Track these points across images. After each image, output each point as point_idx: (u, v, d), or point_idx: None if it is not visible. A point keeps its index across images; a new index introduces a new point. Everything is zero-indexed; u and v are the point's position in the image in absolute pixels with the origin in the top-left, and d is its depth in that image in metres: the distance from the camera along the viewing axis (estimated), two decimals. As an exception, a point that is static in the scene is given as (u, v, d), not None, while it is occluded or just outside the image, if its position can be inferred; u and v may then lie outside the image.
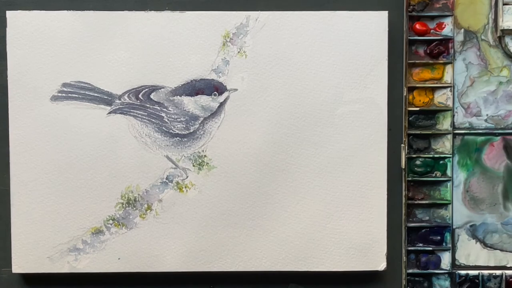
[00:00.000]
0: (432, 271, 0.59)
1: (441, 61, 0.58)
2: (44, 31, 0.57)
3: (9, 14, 0.57)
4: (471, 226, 0.59)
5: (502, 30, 0.58)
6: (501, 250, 0.59)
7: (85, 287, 0.58)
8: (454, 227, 0.59)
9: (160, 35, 0.57)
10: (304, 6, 0.58)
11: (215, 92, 0.57)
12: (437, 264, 0.59)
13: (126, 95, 0.57)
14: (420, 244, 0.59)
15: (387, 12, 0.57)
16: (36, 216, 0.57)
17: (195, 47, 0.57)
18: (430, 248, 0.59)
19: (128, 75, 0.57)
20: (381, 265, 0.58)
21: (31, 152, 0.57)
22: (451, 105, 0.59)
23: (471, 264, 0.59)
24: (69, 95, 0.57)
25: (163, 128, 0.57)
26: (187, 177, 0.57)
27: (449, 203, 0.59)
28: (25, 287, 0.58)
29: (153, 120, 0.57)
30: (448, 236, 0.59)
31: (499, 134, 0.59)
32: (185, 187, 0.57)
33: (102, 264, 0.57)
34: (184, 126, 0.57)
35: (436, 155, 0.59)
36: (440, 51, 0.58)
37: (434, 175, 0.59)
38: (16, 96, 0.57)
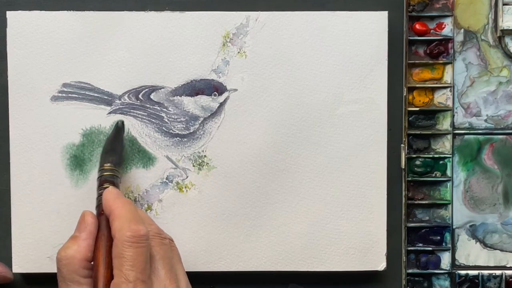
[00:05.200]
0: (432, 271, 0.59)
1: (441, 61, 0.58)
2: (44, 31, 0.57)
3: (9, 14, 0.57)
4: (471, 226, 0.59)
5: (502, 30, 0.58)
6: (501, 250, 0.59)
7: (85, 287, 0.58)
8: (454, 227, 0.59)
9: (160, 35, 0.57)
10: (304, 6, 0.58)
11: (215, 92, 0.57)
12: (437, 264, 0.59)
13: (126, 95, 0.57)
14: (420, 244, 0.59)
15: (387, 12, 0.57)
16: (36, 216, 0.57)
17: (195, 47, 0.57)
18: (430, 248, 0.59)
19: (128, 75, 0.57)
20: (381, 265, 0.58)
21: (31, 152, 0.57)
22: (451, 105, 0.59)
23: (471, 264, 0.59)
24: (69, 95, 0.57)
25: (163, 128, 0.57)
26: (187, 177, 0.57)
27: (449, 203, 0.59)
28: (25, 287, 0.58)
29: (153, 120, 0.57)
30: (448, 236, 0.59)
31: (499, 134, 0.59)
32: (185, 187, 0.57)
33: (102, 264, 0.57)
34: (184, 126, 0.57)
35: (436, 155, 0.59)
36: (440, 51, 0.58)
37: (434, 175, 0.59)
38: (16, 96, 0.57)
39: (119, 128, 0.56)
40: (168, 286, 0.48)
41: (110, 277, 0.48)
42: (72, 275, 0.48)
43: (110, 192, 0.51)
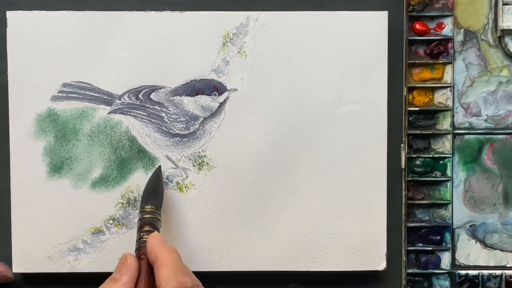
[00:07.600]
0: (432, 271, 0.59)
1: (441, 61, 0.58)
2: (44, 31, 0.57)
3: (9, 14, 0.57)
4: (471, 226, 0.59)
5: (502, 30, 0.58)
6: (501, 250, 0.59)
7: (85, 287, 0.58)
8: (454, 227, 0.59)
9: (160, 35, 0.57)
10: (304, 6, 0.58)
11: (215, 92, 0.57)
12: (437, 264, 0.59)
13: (126, 95, 0.57)
14: (420, 244, 0.59)
15: (387, 12, 0.57)
16: (36, 216, 0.57)
17: (195, 47, 0.57)
18: (430, 248, 0.59)
19: (128, 75, 0.57)
20: (381, 265, 0.58)
21: (31, 152, 0.57)
22: (451, 105, 0.59)
23: (471, 264, 0.59)
24: (69, 95, 0.57)
25: (163, 128, 0.57)
26: (187, 177, 0.57)
27: (449, 203, 0.59)
28: (25, 287, 0.58)
29: (153, 120, 0.57)
30: (448, 236, 0.59)
31: (499, 134, 0.59)
32: (185, 187, 0.57)
33: (102, 264, 0.57)
34: (184, 126, 0.57)
35: (436, 155, 0.59)
36: (440, 51, 0.58)
37: (434, 175, 0.59)
38: (16, 96, 0.57)
39: (159, 171, 0.57)
40: None
41: None
42: None
43: (155, 237, 0.50)
